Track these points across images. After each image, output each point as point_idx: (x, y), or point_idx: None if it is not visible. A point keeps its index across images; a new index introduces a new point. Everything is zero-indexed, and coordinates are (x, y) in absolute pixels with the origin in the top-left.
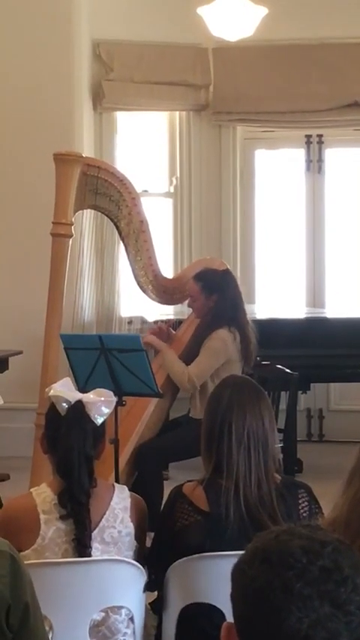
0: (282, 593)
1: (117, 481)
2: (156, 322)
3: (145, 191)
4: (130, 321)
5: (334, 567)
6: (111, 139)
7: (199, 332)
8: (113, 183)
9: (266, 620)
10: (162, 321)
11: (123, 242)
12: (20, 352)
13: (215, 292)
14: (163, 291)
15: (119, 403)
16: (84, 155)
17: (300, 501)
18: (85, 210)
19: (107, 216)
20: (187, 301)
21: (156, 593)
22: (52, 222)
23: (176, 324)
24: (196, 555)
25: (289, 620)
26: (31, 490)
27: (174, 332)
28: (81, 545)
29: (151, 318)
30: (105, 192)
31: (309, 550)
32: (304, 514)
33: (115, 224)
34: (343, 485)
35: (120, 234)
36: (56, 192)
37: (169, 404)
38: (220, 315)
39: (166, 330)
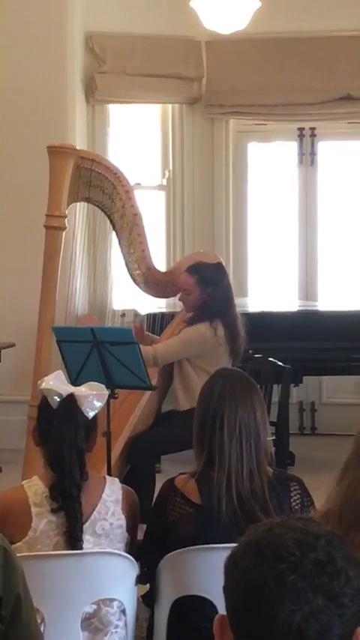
0: (275, 585)
1: (109, 474)
2: (132, 322)
3: (138, 184)
4: (123, 314)
5: (328, 560)
6: (104, 131)
7: (188, 326)
8: (107, 176)
9: (259, 612)
10: (136, 320)
11: (116, 235)
12: (13, 345)
13: (210, 285)
14: (156, 284)
15: (111, 396)
16: (77, 148)
17: (292, 494)
18: (78, 203)
19: (101, 209)
20: (179, 295)
21: (148, 585)
22: (46, 215)
23: (168, 317)
24: (188, 548)
25: (282, 612)
26: (23, 483)
27: (151, 334)
28: (72, 539)
29: (143, 311)
30: (99, 184)
31: (302, 543)
32: (296, 507)
33: (109, 217)
34: (337, 478)
35: (113, 227)
36: (50, 185)
37: (161, 397)
38: (210, 308)
39: (143, 332)
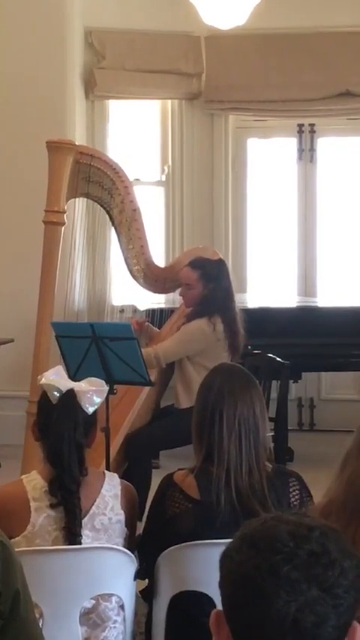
0: (270, 577)
1: (108, 469)
2: (132, 317)
3: (137, 179)
4: (122, 310)
5: (322, 551)
6: (103, 127)
7: (187, 321)
8: (106, 172)
9: (254, 604)
10: (139, 317)
11: (115, 230)
12: (11, 340)
13: (212, 281)
14: (155, 279)
15: (110, 391)
16: (77, 143)
17: (291, 490)
18: (77, 199)
19: (100, 204)
20: (178, 290)
21: (146, 581)
22: (45, 210)
23: (167, 312)
24: (187, 543)
25: (277, 603)
26: (22, 477)
27: (153, 327)
28: (71, 534)
29: (142, 307)
30: (98, 180)
31: (296, 534)
32: (295, 502)
33: (108, 212)
34: (338, 468)
35: (112, 222)
36: (49, 180)
37: (160, 392)
38: (210, 304)
39: (144, 325)
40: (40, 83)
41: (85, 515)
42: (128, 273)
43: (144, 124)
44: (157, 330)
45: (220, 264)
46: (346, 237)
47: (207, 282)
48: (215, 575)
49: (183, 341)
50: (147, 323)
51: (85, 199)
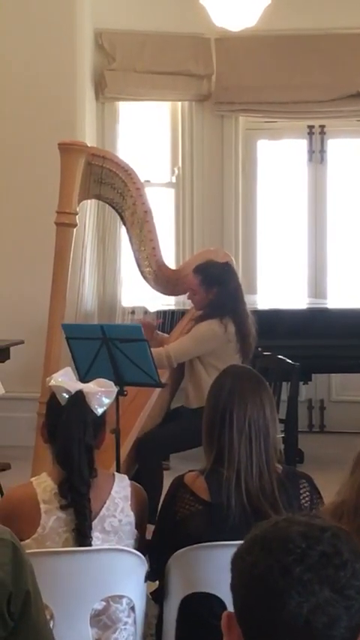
0: (282, 578)
1: (118, 471)
2: (143, 318)
3: (148, 181)
4: (133, 311)
5: (334, 552)
6: (113, 128)
7: (197, 323)
8: (118, 173)
9: (266, 606)
10: (151, 316)
11: (127, 232)
12: (22, 342)
13: (215, 285)
14: (167, 281)
15: (120, 393)
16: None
17: (301, 491)
18: (89, 200)
19: (111, 206)
20: (188, 293)
21: (157, 582)
22: (57, 212)
23: (178, 314)
24: (198, 545)
25: (290, 605)
26: (32, 479)
27: (162, 333)
28: (81, 536)
29: (153, 308)
30: (109, 182)
31: (308, 535)
32: (306, 504)
33: (120, 214)
34: (349, 470)
35: (124, 224)
36: (61, 182)
37: (171, 394)
38: (218, 308)
39: (154, 326)
40: (51, 85)
41: (95, 517)
42: (139, 274)
43: (154, 125)
44: (167, 335)
45: (225, 267)
46: (357, 238)
47: (209, 286)
48: (226, 577)
49: (194, 341)
50: (156, 330)
51: (97, 201)
